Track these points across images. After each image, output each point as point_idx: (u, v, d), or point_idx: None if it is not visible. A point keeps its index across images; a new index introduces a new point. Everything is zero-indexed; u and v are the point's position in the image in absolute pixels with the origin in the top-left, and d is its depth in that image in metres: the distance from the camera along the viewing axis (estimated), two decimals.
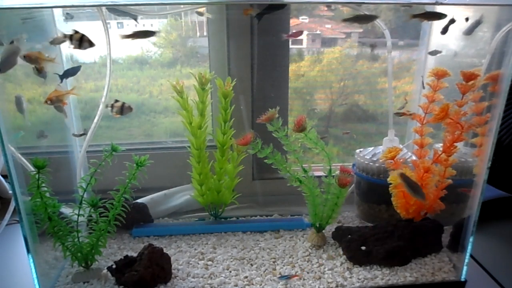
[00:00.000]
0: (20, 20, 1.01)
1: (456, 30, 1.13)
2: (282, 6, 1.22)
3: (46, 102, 1.02)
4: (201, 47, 1.42)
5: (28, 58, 0.94)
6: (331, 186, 1.17)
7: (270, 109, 1.13)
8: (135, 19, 1.13)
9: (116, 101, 1.08)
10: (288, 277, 1.06)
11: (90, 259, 1.08)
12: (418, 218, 1.19)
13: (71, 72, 1.13)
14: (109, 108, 1.08)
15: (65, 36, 0.98)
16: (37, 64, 0.97)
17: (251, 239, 1.27)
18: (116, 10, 1.11)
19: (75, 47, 0.97)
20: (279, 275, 1.08)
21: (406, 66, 1.43)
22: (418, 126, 1.19)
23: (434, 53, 1.30)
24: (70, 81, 1.20)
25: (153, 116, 1.49)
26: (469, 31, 1.11)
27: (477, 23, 1.09)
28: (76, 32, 0.97)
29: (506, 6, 0.99)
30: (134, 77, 1.44)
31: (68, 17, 1.13)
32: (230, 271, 1.11)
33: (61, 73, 1.11)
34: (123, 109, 1.07)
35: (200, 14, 1.27)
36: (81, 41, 0.97)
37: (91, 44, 0.98)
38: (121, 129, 1.50)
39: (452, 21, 1.10)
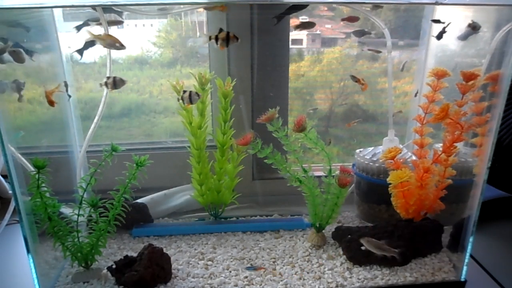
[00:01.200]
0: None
1: (457, 31, 1.14)
2: (304, 6, 1.19)
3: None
4: (201, 47, 1.42)
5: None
6: (331, 186, 1.17)
7: (270, 109, 1.13)
8: (120, 16, 1.13)
9: (184, 91, 1.10)
10: (254, 269, 1.08)
11: (90, 259, 1.08)
12: (418, 218, 1.18)
13: (90, 43, 1.10)
14: (181, 101, 1.12)
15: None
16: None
17: (251, 239, 1.27)
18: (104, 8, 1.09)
19: None
20: (247, 266, 1.10)
21: (406, 66, 1.43)
22: (418, 126, 1.19)
23: (404, 68, 1.33)
24: (70, 81, 1.20)
25: (153, 116, 1.49)
26: (464, 37, 1.13)
27: (471, 32, 1.10)
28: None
29: (506, 6, 0.99)
30: (134, 77, 1.44)
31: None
32: (230, 271, 1.10)
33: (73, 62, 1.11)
34: (192, 98, 1.09)
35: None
36: None
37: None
38: (121, 129, 1.50)
39: (444, 30, 1.11)
